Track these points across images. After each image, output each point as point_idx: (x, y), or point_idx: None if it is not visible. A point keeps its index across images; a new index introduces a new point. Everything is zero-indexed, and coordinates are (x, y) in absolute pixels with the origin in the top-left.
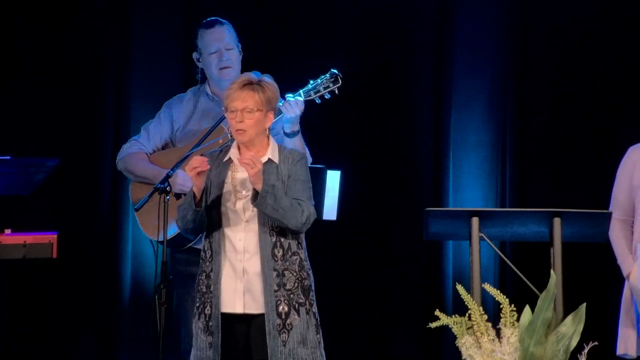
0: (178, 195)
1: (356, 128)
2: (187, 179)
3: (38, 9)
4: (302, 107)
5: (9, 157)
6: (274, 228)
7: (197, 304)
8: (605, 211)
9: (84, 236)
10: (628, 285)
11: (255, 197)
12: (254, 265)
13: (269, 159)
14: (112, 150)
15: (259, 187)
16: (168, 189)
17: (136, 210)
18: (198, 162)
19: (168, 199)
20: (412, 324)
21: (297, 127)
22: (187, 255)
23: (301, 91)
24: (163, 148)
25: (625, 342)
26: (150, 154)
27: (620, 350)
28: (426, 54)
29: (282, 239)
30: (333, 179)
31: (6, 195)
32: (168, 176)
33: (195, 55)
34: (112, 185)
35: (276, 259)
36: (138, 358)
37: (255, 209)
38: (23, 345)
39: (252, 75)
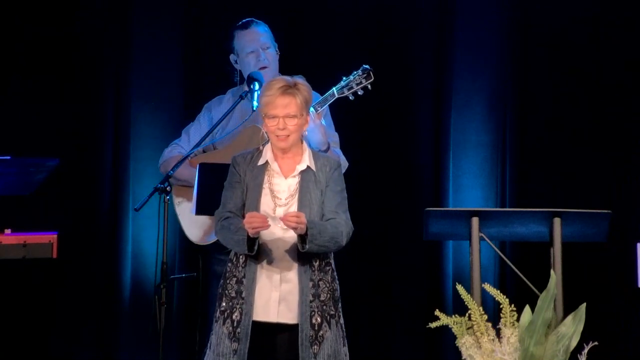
0: None
1: (356, 128)
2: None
3: (38, 9)
4: (314, 120)
5: (9, 157)
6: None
7: (222, 309)
8: (605, 211)
9: (84, 236)
10: None
11: (300, 239)
12: (291, 274)
13: (307, 167)
14: (112, 151)
15: (303, 232)
16: (168, 189)
17: (136, 210)
18: (259, 222)
19: (168, 199)
20: (412, 324)
21: (323, 142)
22: (228, 256)
23: (334, 88)
24: (204, 151)
25: None
26: (192, 156)
27: None
28: (426, 54)
29: None
30: None
31: (6, 195)
32: (168, 176)
33: (232, 57)
34: (112, 185)
35: (313, 269)
36: (138, 358)
37: (265, 219)
38: (23, 345)
39: (287, 78)
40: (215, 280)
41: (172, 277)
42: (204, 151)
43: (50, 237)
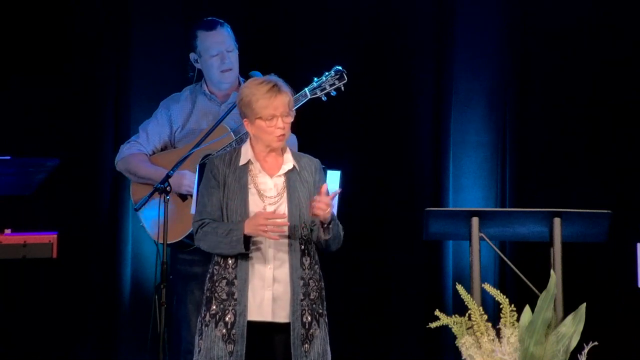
0: (184, 197)
1: (356, 128)
2: (193, 180)
3: (38, 8)
4: None
5: (9, 157)
6: (303, 236)
7: (213, 312)
8: (606, 211)
9: (84, 236)
10: None
11: (322, 226)
12: (283, 273)
13: (293, 166)
14: (112, 150)
15: (328, 217)
16: (168, 189)
17: (136, 210)
18: (279, 222)
19: (168, 199)
20: (412, 324)
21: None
22: (190, 255)
23: (306, 89)
24: (162, 149)
25: None
26: (150, 154)
27: None
28: (426, 53)
29: (309, 247)
30: (333, 179)
31: (6, 195)
32: (168, 176)
33: (193, 56)
34: (112, 185)
35: (304, 267)
36: (138, 358)
37: (286, 215)
38: (23, 345)
39: (271, 78)
40: (179, 281)
41: (172, 277)
42: (161, 150)
43: (50, 237)
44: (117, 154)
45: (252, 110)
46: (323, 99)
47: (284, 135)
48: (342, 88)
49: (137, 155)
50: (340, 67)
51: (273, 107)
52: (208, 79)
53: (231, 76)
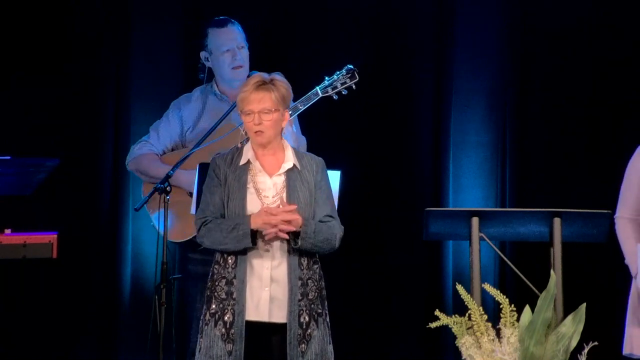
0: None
1: (356, 128)
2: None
3: (38, 8)
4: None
5: (9, 157)
6: None
7: (213, 311)
8: (606, 211)
9: (84, 236)
10: (635, 285)
11: (294, 236)
12: (281, 273)
13: (293, 165)
14: (112, 150)
15: (298, 228)
16: (168, 189)
17: (136, 209)
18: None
19: (168, 199)
20: (412, 324)
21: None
22: (201, 255)
23: (317, 88)
24: (172, 149)
25: (631, 341)
26: (161, 154)
27: (626, 350)
28: (426, 53)
29: None
30: (333, 179)
31: (6, 195)
32: (168, 176)
33: (204, 54)
34: (112, 185)
35: (302, 267)
36: (138, 358)
37: (295, 206)
38: (23, 345)
39: (264, 75)
40: (191, 281)
41: (172, 277)
42: (172, 149)
43: (50, 237)
44: (128, 154)
45: (237, 106)
46: (334, 97)
47: (262, 132)
48: (354, 87)
49: (147, 155)
50: (351, 66)
51: (248, 101)
52: (219, 77)
53: (242, 73)
